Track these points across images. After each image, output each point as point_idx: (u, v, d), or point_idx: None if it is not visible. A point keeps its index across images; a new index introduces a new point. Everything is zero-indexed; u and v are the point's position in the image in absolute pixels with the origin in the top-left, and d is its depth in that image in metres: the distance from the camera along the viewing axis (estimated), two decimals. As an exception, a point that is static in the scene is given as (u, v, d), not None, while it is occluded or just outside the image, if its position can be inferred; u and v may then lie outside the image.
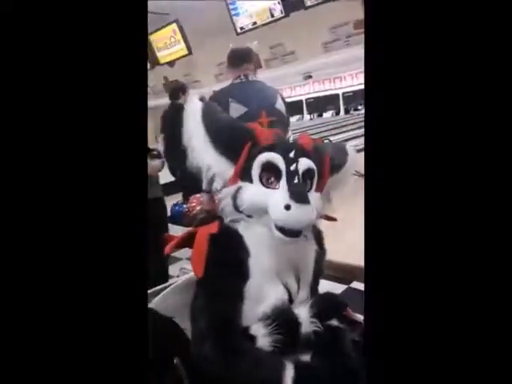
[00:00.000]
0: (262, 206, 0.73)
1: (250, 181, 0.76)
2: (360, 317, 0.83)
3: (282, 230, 0.72)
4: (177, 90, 2.89)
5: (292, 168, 0.75)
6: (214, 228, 0.78)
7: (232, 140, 0.78)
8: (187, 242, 0.81)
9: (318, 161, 0.81)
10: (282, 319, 0.74)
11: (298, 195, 0.71)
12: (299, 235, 0.73)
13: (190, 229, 0.83)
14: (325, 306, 0.78)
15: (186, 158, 0.78)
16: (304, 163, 0.77)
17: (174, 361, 0.76)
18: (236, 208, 0.76)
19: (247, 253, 0.76)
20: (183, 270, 1.96)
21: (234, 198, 0.76)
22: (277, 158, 0.75)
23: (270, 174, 0.75)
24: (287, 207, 0.69)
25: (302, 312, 0.76)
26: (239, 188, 0.76)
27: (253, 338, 0.73)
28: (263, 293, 0.75)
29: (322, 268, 0.88)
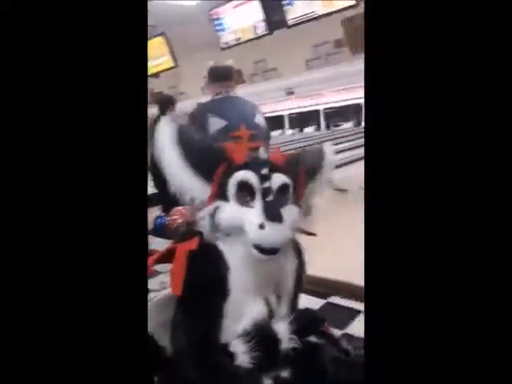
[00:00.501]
0: (239, 224, 0.75)
1: (227, 200, 0.78)
2: (337, 332, 0.84)
3: (258, 248, 0.73)
4: (166, 103, 2.86)
5: (265, 185, 0.76)
6: (193, 244, 0.78)
7: (207, 162, 0.79)
8: (167, 257, 0.81)
9: (293, 173, 0.83)
10: (262, 336, 0.75)
11: (272, 214, 0.73)
12: (276, 252, 0.74)
13: (169, 245, 0.84)
14: (303, 323, 0.80)
15: (165, 179, 0.80)
16: (277, 179, 0.78)
17: (155, 378, 0.76)
18: (214, 227, 0.77)
19: (227, 268, 0.77)
20: (162, 284, 1.93)
21: (212, 217, 0.77)
22: (250, 177, 0.77)
23: (244, 192, 0.77)
24: (261, 226, 0.71)
25: (282, 328, 0.77)
26: (216, 207, 0.77)
27: (232, 355, 0.73)
28: (243, 309, 0.76)
29: (302, 282, 0.89)
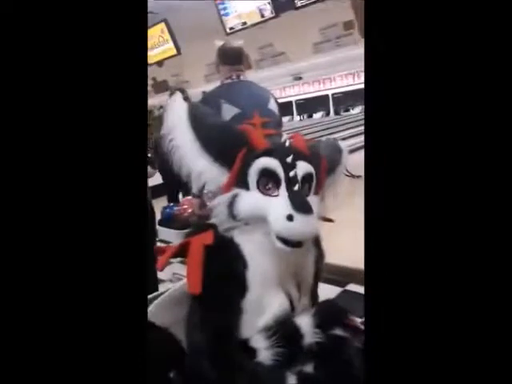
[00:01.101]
0: (262, 214, 0.70)
1: (247, 188, 0.72)
2: (362, 324, 0.80)
3: (283, 240, 0.68)
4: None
5: (291, 174, 0.71)
6: (208, 239, 0.73)
7: (225, 146, 0.73)
8: (181, 253, 0.76)
9: (315, 163, 0.78)
10: (284, 331, 0.70)
11: (301, 205, 0.67)
12: (301, 245, 0.69)
13: (182, 240, 0.79)
14: (326, 316, 0.75)
15: (172, 163, 0.74)
16: (303, 168, 0.73)
17: (170, 374, 0.73)
18: (232, 217, 0.72)
19: (245, 263, 0.72)
20: (176, 275, 1.91)
21: (230, 206, 0.72)
22: (275, 164, 0.71)
23: (267, 180, 0.71)
24: (290, 218, 0.66)
25: (304, 323, 0.72)
26: (235, 196, 0.72)
27: (253, 351, 0.70)
28: (264, 303, 0.72)
29: (322, 272, 0.85)
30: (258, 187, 0.72)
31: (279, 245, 0.69)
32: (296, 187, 0.70)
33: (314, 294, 0.83)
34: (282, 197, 0.70)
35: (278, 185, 0.71)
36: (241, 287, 0.71)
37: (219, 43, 1.60)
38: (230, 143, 0.74)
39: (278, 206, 0.68)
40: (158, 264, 0.76)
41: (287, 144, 0.76)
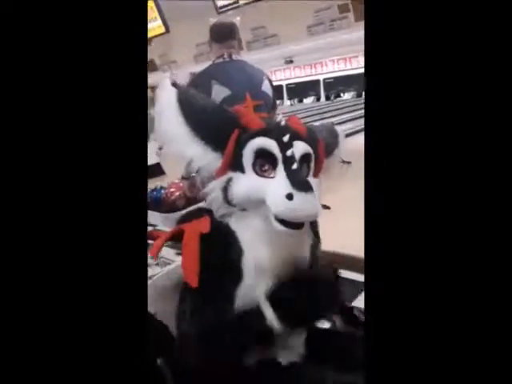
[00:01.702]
0: (259, 197, 0.67)
1: (242, 170, 0.69)
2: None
3: (283, 222, 0.65)
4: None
5: (288, 153, 0.68)
6: (204, 227, 0.70)
7: (217, 128, 0.70)
8: (175, 238, 0.74)
9: (312, 144, 0.75)
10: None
11: (300, 183, 0.64)
12: (301, 227, 0.66)
13: (176, 228, 0.75)
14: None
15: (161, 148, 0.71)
16: (300, 147, 0.71)
17: (158, 361, 0.71)
18: (228, 202, 0.69)
19: (240, 251, 0.70)
20: (163, 259, 1.89)
21: (225, 190, 0.69)
22: (271, 144, 0.68)
23: (263, 161, 0.68)
24: (289, 197, 0.63)
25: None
26: (229, 179, 0.69)
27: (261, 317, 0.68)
28: (257, 292, 0.70)
29: (318, 258, 0.83)
30: (254, 169, 0.69)
31: (279, 227, 0.65)
32: (294, 166, 0.67)
33: None
34: (279, 177, 0.67)
35: (274, 166, 0.68)
36: (235, 276, 0.69)
37: (213, 21, 1.54)
38: (221, 126, 0.71)
39: (276, 186, 0.65)
40: (151, 253, 0.73)
41: (283, 123, 0.73)
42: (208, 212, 0.74)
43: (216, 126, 0.71)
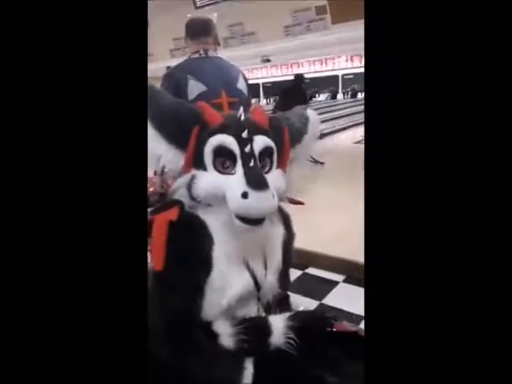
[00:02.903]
0: (220, 194, 0.68)
1: (204, 168, 0.70)
2: (349, 325, 0.79)
3: (241, 218, 0.67)
4: None
5: (247, 149, 0.69)
6: (173, 214, 0.70)
7: (178, 126, 0.71)
8: None
9: (277, 135, 0.76)
10: (253, 323, 0.70)
11: (255, 181, 0.66)
12: (261, 222, 0.68)
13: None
14: (303, 322, 0.73)
15: None
16: (259, 142, 0.71)
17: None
18: (193, 198, 0.70)
19: (211, 240, 0.71)
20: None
21: (189, 187, 0.70)
22: (229, 141, 0.69)
23: (224, 158, 0.70)
24: (244, 195, 0.65)
25: (276, 321, 0.72)
26: (193, 177, 0.70)
27: (215, 335, 0.69)
28: (227, 282, 0.71)
29: (291, 253, 0.84)
30: (215, 166, 0.70)
31: (238, 223, 0.67)
32: (252, 163, 0.69)
33: (283, 277, 0.82)
34: (238, 174, 0.68)
35: (234, 162, 0.69)
36: (206, 264, 0.69)
37: (188, 16, 1.52)
38: (184, 123, 0.71)
39: (233, 184, 0.67)
40: None
41: (242, 118, 0.74)
42: (179, 203, 0.74)
43: (178, 124, 0.71)
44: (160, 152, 0.71)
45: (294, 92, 4.50)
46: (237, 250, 0.72)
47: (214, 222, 0.72)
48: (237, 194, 0.65)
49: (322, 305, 1.63)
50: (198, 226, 0.71)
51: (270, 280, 0.77)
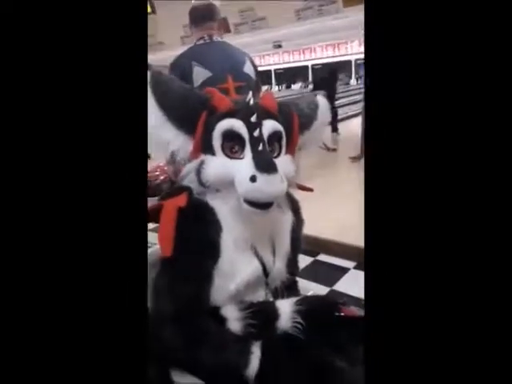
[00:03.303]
0: (229, 178, 0.68)
1: (213, 153, 0.70)
2: (357, 310, 0.78)
3: (250, 202, 0.67)
4: None
5: (255, 134, 0.69)
6: (181, 201, 0.70)
7: (187, 112, 0.71)
8: (153, 217, 0.73)
9: (286, 120, 0.75)
10: (260, 307, 0.70)
11: (264, 164, 0.65)
12: (270, 206, 0.68)
13: (154, 204, 0.76)
14: (311, 306, 0.73)
15: None
16: (268, 126, 0.71)
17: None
18: (201, 183, 0.70)
19: (219, 227, 0.70)
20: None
21: (198, 173, 0.70)
22: (238, 125, 0.69)
23: (232, 143, 0.69)
24: (253, 179, 0.64)
25: (284, 306, 0.72)
26: (202, 162, 0.70)
27: (223, 320, 0.69)
28: (236, 268, 0.70)
29: (300, 239, 0.83)
30: (224, 151, 0.70)
31: (247, 207, 0.67)
32: (260, 147, 0.68)
33: (292, 264, 0.82)
34: (246, 158, 0.68)
35: (243, 146, 0.69)
36: (214, 251, 0.69)
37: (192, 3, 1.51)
38: (192, 109, 0.71)
39: (242, 168, 0.67)
40: None
41: (251, 103, 0.73)
42: (187, 189, 0.74)
43: (187, 110, 0.71)
44: (169, 138, 0.71)
45: (328, 81, 4.62)
46: (245, 235, 0.72)
47: (222, 207, 0.71)
48: (245, 177, 0.65)
49: (332, 291, 1.63)
50: (207, 213, 0.71)
51: (278, 266, 0.77)
